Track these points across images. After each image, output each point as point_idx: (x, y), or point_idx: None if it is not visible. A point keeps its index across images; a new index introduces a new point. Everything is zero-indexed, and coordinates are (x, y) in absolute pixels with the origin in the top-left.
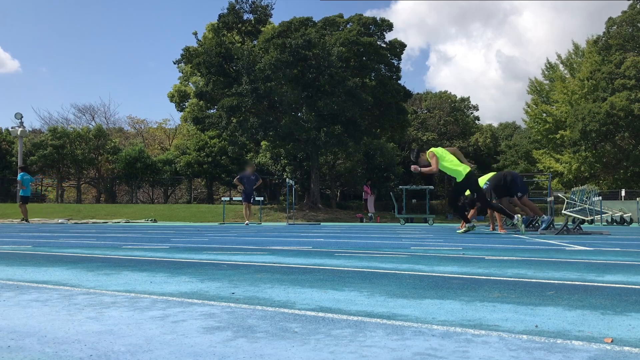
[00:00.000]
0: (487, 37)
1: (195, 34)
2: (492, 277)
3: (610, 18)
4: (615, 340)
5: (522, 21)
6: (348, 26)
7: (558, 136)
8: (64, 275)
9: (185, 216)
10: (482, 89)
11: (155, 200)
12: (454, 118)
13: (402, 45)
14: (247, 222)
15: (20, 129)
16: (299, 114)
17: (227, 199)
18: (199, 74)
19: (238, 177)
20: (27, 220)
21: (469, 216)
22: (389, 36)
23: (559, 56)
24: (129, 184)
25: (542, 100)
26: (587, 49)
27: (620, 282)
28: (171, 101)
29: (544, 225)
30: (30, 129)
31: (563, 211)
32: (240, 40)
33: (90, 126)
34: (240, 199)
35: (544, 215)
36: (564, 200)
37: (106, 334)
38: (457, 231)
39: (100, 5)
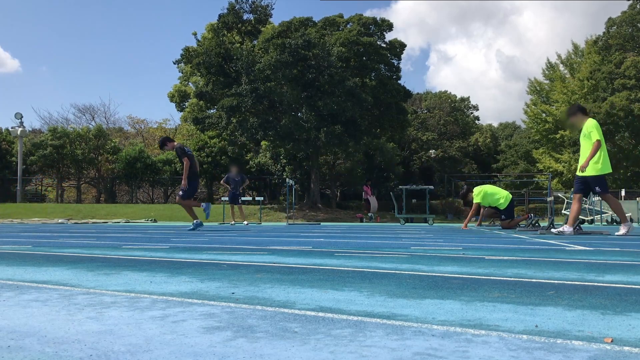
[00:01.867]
0: (487, 36)
1: (195, 34)
2: (492, 277)
3: (610, 18)
4: (616, 340)
5: (523, 21)
6: (348, 26)
7: (558, 136)
8: (64, 275)
9: (185, 216)
10: (482, 88)
11: (155, 200)
12: (453, 118)
13: (402, 45)
14: (232, 222)
15: (20, 129)
16: (299, 114)
17: (227, 198)
18: (199, 74)
19: (224, 178)
20: None
21: (469, 215)
22: (389, 36)
23: (559, 56)
24: (128, 184)
25: (542, 100)
26: (587, 49)
27: (620, 282)
28: (171, 101)
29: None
30: (30, 129)
31: (563, 211)
32: (240, 40)
33: (90, 126)
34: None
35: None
36: (564, 200)
37: (106, 333)
38: None
39: (100, 5)
